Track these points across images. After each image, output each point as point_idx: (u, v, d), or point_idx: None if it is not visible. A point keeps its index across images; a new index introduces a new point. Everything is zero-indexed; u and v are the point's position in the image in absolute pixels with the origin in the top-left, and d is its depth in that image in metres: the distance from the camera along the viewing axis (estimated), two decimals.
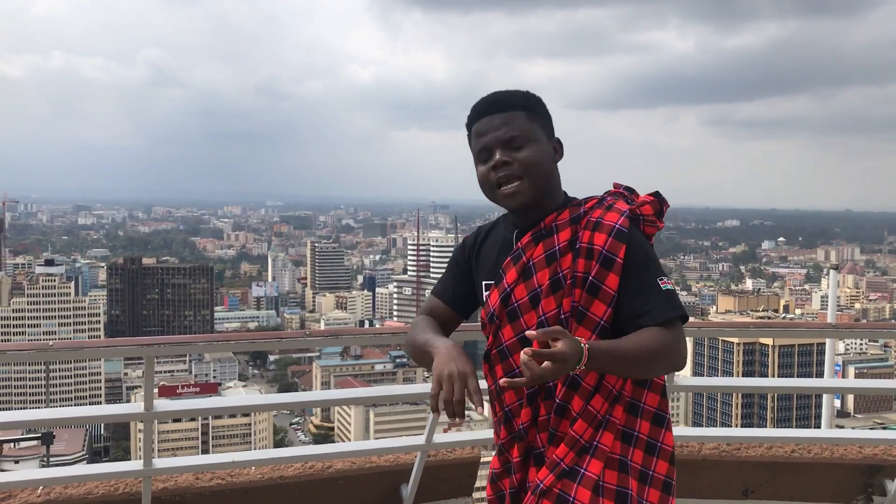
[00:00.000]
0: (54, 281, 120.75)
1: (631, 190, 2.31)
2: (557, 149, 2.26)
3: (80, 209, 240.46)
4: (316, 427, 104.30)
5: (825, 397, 5.26)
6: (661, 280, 2.11)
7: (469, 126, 2.28)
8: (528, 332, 1.88)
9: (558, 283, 2.16)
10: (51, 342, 2.99)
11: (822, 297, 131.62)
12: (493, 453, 2.32)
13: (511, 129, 2.18)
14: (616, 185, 2.34)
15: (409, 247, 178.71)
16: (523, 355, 1.85)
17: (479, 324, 2.37)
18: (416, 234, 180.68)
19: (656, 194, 2.26)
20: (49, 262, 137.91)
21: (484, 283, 2.33)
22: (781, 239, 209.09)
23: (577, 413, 2.10)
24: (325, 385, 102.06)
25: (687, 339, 2.17)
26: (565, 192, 2.29)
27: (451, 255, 2.48)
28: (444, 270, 2.51)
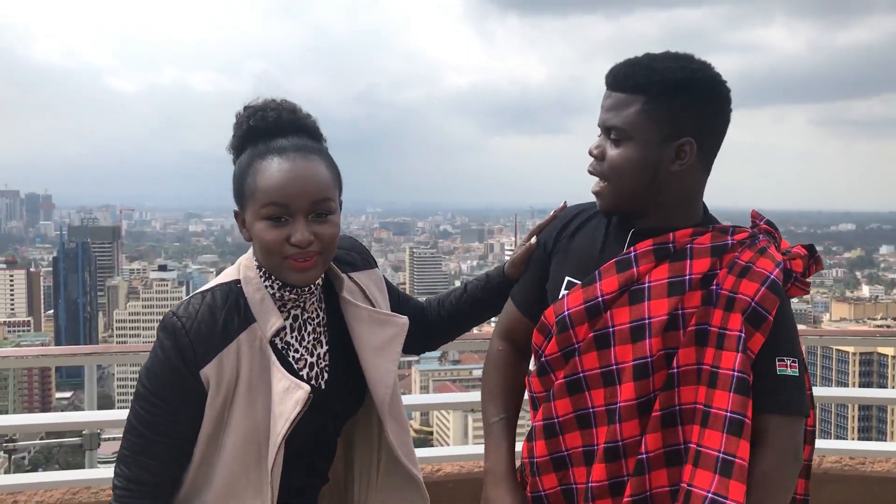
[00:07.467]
0: (167, 286, 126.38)
1: (774, 227, 1.85)
2: (683, 153, 1.70)
3: (191, 216, 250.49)
4: (415, 431, 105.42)
5: None
6: (781, 361, 1.66)
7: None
8: None
9: (674, 322, 1.68)
10: None
11: None
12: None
13: (615, 118, 1.72)
14: (755, 217, 1.86)
15: (507, 252, 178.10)
16: None
17: (533, 324, 1.85)
18: (513, 239, 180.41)
19: (810, 248, 1.80)
20: (162, 268, 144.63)
21: (567, 278, 1.83)
22: None
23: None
24: (424, 389, 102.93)
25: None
26: (706, 207, 1.82)
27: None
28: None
